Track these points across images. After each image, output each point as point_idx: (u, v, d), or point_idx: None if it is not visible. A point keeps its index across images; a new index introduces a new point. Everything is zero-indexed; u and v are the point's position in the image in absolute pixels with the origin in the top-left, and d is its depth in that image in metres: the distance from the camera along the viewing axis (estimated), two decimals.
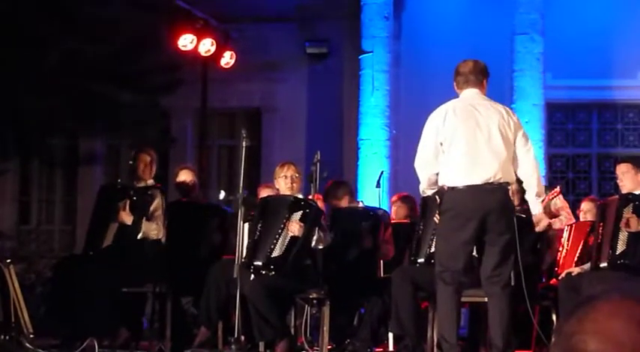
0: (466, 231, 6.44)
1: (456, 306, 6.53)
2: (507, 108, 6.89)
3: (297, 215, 7.61)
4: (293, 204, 7.69)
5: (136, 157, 8.24)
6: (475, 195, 6.42)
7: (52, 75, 12.06)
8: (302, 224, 7.56)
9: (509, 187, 6.62)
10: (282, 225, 7.61)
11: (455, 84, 6.77)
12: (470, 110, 6.55)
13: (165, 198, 8.19)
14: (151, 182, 8.19)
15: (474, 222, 6.43)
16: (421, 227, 8.04)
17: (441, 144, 6.55)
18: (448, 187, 6.55)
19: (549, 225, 8.69)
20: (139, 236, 7.89)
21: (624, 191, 7.41)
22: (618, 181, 7.57)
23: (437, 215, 7.64)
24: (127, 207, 7.90)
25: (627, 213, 7.15)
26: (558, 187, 9.10)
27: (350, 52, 14.23)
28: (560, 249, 8.39)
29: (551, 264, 8.49)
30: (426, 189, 6.75)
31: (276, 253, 7.55)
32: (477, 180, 6.42)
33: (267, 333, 7.43)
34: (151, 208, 8.00)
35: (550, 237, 8.49)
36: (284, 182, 7.89)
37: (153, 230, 7.93)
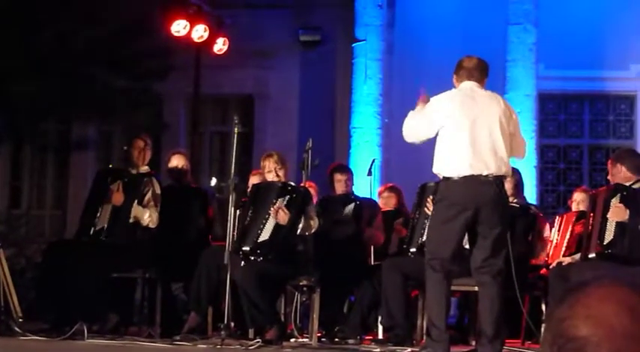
0: (458, 221, 6.42)
1: (445, 292, 6.51)
2: (505, 101, 6.87)
3: (283, 200, 7.64)
4: (280, 190, 7.74)
5: (130, 143, 8.22)
6: (470, 187, 6.38)
7: (44, 59, 12.03)
8: (287, 212, 7.58)
9: (505, 180, 6.61)
10: (269, 211, 7.64)
11: (455, 77, 6.68)
12: (470, 101, 6.50)
13: (160, 186, 8.15)
14: (145, 168, 8.16)
15: (467, 213, 6.40)
16: (417, 215, 8.04)
17: (439, 130, 6.53)
18: (443, 177, 6.53)
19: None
20: (131, 220, 7.87)
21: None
22: (609, 177, 7.56)
23: (428, 204, 7.66)
24: (120, 188, 7.87)
25: (615, 202, 7.16)
26: None
27: (343, 40, 14.22)
28: (551, 239, 8.41)
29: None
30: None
31: (262, 238, 7.57)
32: (473, 171, 6.39)
33: (257, 320, 7.45)
34: (145, 198, 7.97)
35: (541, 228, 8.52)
36: (270, 176, 7.98)
37: (146, 218, 7.90)
